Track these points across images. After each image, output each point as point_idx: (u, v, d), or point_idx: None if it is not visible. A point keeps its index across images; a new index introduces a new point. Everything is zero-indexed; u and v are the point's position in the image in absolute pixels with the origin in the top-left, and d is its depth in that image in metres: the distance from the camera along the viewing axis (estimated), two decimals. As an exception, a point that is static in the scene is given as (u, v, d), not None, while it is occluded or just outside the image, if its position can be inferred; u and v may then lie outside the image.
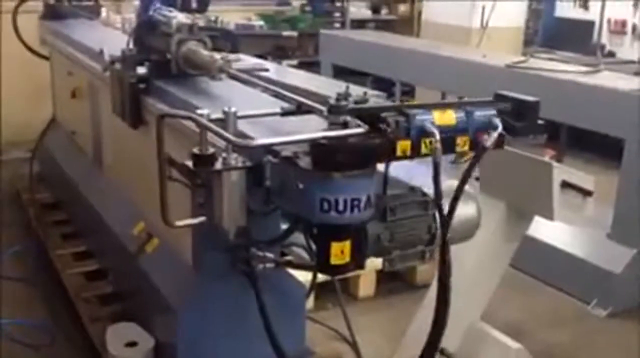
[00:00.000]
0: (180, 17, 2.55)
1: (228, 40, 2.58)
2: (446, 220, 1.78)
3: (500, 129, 1.84)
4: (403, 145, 1.68)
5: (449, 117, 1.80)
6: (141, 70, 2.69)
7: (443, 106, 1.85)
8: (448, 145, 1.76)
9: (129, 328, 2.79)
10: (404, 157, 1.69)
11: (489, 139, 1.81)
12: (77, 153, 4.20)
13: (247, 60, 2.41)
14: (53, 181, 4.64)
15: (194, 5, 2.70)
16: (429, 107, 1.79)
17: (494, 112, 1.89)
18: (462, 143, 1.83)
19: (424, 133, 1.70)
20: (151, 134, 2.54)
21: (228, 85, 2.42)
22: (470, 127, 1.83)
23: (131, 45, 2.75)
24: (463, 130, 1.82)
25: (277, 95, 2.19)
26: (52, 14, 4.77)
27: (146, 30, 2.72)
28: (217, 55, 2.29)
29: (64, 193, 4.35)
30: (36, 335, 3.29)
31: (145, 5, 2.84)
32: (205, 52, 2.44)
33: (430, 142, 1.70)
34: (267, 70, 2.42)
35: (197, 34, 2.53)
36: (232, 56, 2.30)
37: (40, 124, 4.74)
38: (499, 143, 1.89)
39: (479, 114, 1.85)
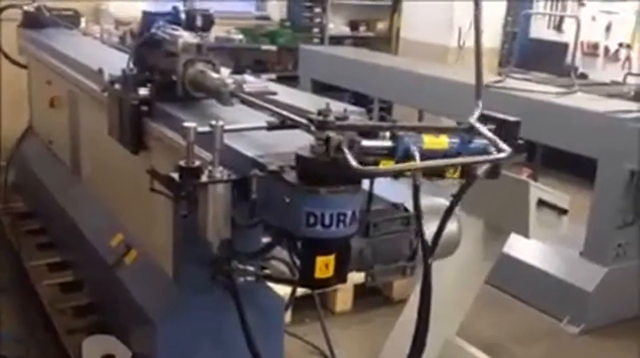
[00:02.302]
0: (186, 37, 2.41)
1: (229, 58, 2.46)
2: (426, 241, 1.80)
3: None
4: (386, 164, 1.66)
5: (442, 142, 1.76)
6: (143, 91, 2.50)
7: (437, 130, 1.80)
8: (436, 170, 1.73)
9: (106, 340, 2.75)
10: (388, 174, 1.71)
11: (480, 168, 1.77)
12: (54, 162, 4.16)
13: (251, 81, 2.29)
14: (28, 190, 4.58)
15: (198, 23, 2.54)
16: (421, 130, 1.74)
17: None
18: (452, 170, 1.78)
19: (407, 156, 1.69)
20: (151, 158, 2.49)
21: (234, 108, 2.26)
22: (464, 154, 1.75)
23: (132, 65, 2.58)
24: (455, 156, 1.74)
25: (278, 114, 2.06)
26: (31, 22, 4.72)
27: (148, 49, 2.55)
28: (229, 79, 2.16)
29: (39, 203, 4.30)
30: (10, 347, 3.25)
31: (147, 23, 2.63)
32: (214, 75, 2.29)
33: None
34: (275, 93, 2.32)
35: (205, 55, 2.38)
36: (239, 77, 2.18)
37: (20, 132, 4.69)
38: (495, 173, 1.88)
39: (477, 141, 1.79)
